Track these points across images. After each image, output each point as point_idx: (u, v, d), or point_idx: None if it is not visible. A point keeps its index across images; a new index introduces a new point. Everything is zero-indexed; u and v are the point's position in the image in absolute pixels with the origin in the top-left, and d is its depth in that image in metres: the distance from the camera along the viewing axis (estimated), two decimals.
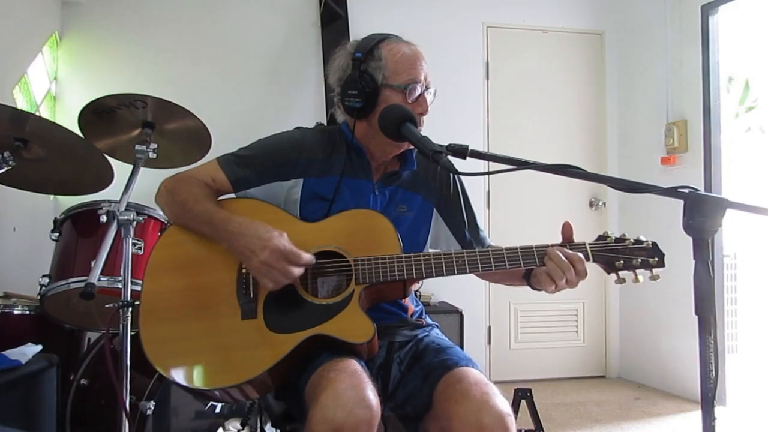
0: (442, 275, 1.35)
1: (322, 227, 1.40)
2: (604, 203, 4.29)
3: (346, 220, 1.41)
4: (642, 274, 1.30)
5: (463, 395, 1.23)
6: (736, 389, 3.54)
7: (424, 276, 1.35)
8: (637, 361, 4.15)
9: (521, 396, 2.20)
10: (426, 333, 1.54)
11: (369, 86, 1.43)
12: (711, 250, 0.94)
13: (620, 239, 1.33)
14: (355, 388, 1.16)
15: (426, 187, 1.58)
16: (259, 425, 1.91)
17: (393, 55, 1.45)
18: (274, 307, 1.31)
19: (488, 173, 1.18)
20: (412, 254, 1.36)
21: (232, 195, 1.48)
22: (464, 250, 1.37)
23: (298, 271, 1.29)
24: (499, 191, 4.18)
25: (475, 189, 4.15)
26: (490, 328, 4.15)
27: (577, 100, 4.37)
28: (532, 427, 2.21)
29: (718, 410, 0.97)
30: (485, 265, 1.34)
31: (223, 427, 1.94)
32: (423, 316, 1.59)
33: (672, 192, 0.99)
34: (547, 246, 1.34)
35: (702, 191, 0.97)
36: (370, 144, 1.50)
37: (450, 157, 1.21)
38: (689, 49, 3.72)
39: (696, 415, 3.14)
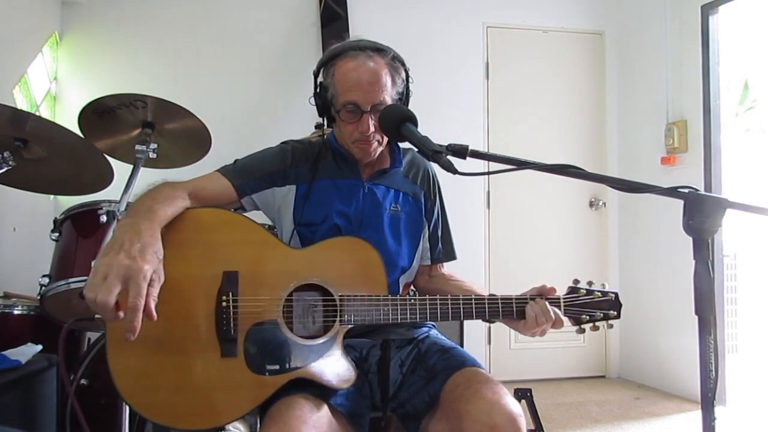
0: (425, 319, 1.39)
1: (310, 256, 1.37)
2: (604, 203, 4.29)
3: (336, 250, 1.39)
4: (600, 324, 1.44)
5: (475, 394, 1.24)
6: (736, 389, 3.54)
7: (408, 320, 1.36)
8: (637, 361, 4.15)
9: (521, 396, 2.19)
10: (425, 334, 1.54)
11: (323, 100, 1.49)
12: (711, 250, 0.94)
13: (589, 291, 1.43)
14: None
15: (413, 191, 1.60)
16: (259, 425, 1.91)
17: (342, 74, 1.44)
18: (255, 345, 1.28)
19: (488, 173, 1.18)
20: (398, 297, 1.38)
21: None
22: (450, 297, 1.38)
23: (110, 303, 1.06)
24: (499, 191, 4.16)
25: (475, 189, 4.22)
26: (490, 328, 4.14)
27: (577, 100, 4.37)
28: (532, 427, 2.21)
29: (718, 410, 0.97)
30: (479, 312, 1.40)
31: (223, 427, 1.94)
32: None
33: (672, 192, 0.99)
34: (527, 299, 1.46)
35: (702, 191, 0.96)
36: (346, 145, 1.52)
37: (450, 157, 1.22)
38: (689, 49, 3.72)
39: (696, 415, 3.14)
